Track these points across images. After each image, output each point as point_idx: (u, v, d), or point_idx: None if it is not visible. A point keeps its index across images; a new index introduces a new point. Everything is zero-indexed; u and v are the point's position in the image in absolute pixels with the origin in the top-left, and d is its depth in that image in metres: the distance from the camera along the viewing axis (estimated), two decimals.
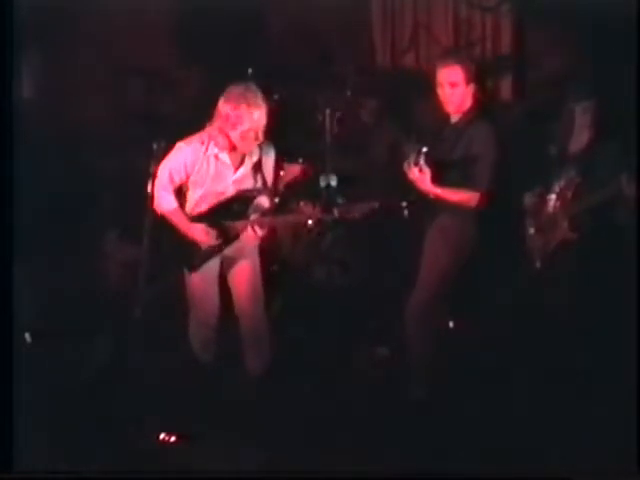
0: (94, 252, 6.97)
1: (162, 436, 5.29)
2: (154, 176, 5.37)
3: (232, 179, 5.67)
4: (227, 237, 5.69)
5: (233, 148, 5.61)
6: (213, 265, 5.76)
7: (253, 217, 5.70)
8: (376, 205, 5.58)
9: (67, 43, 7.24)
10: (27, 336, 6.03)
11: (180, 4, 7.33)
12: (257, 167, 5.70)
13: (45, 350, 6.02)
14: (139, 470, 4.95)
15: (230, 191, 5.68)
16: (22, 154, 5.36)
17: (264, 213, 5.75)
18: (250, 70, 6.81)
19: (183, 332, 5.90)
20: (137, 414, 5.32)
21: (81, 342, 6.21)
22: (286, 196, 6.58)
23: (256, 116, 5.52)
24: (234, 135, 5.53)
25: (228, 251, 5.76)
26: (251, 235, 5.70)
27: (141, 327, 5.39)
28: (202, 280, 5.75)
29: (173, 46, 7.44)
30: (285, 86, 6.99)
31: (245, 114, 5.49)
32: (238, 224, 5.68)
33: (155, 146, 5.36)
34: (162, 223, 5.62)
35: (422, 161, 5.57)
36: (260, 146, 5.66)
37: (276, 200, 5.89)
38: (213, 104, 5.60)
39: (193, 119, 5.81)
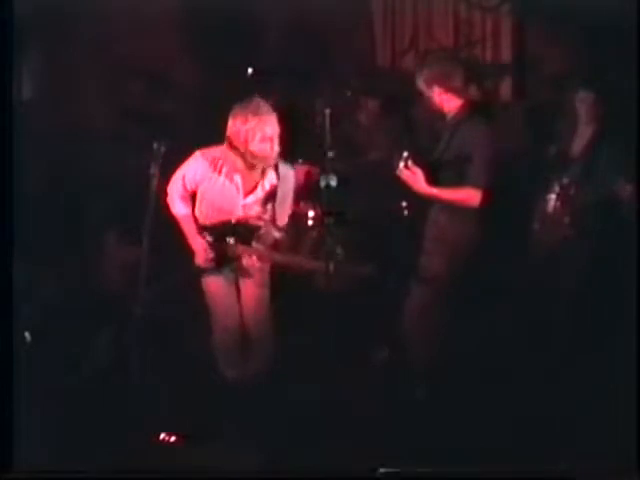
0: (94, 252, 6.97)
1: (162, 436, 5.29)
2: (156, 177, 5.38)
3: (242, 203, 5.62)
4: (225, 257, 5.64)
5: (246, 169, 5.57)
6: (230, 277, 5.71)
7: (256, 246, 5.64)
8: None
9: (67, 43, 7.23)
10: (27, 336, 6.03)
11: (180, 4, 7.33)
12: (270, 195, 5.62)
13: (45, 350, 6.02)
14: (139, 470, 4.95)
15: (238, 213, 5.62)
16: (22, 154, 5.37)
17: (269, 246, 5.67)
18: (250, 70, 6.81)
19: (183, 332, 5.90)
20: (137, 414, 5.32)
21: (81, 342, 6.21)
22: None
23: (266, 125, 5.47)
24: (250, 149, 5.47)
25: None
26: (249, 262, 5.65)
27: (141, 327, 5.40)
28: (223, 295, 5.72)
29: (173, 46, 7.44)
30: (285, 86, 6.99)
31: (255, 126, 5.44)
32: (239, 248, 5.62)
33: (155, 146, 5.37)
34: (162, 223, 5.63)
35: (409, 163, 5.56)
36: (277, 168, 5.60)
37: (283, 235, 5.73)
38: (213, 104, 5.59)
39: (193, 119, 5.80)
